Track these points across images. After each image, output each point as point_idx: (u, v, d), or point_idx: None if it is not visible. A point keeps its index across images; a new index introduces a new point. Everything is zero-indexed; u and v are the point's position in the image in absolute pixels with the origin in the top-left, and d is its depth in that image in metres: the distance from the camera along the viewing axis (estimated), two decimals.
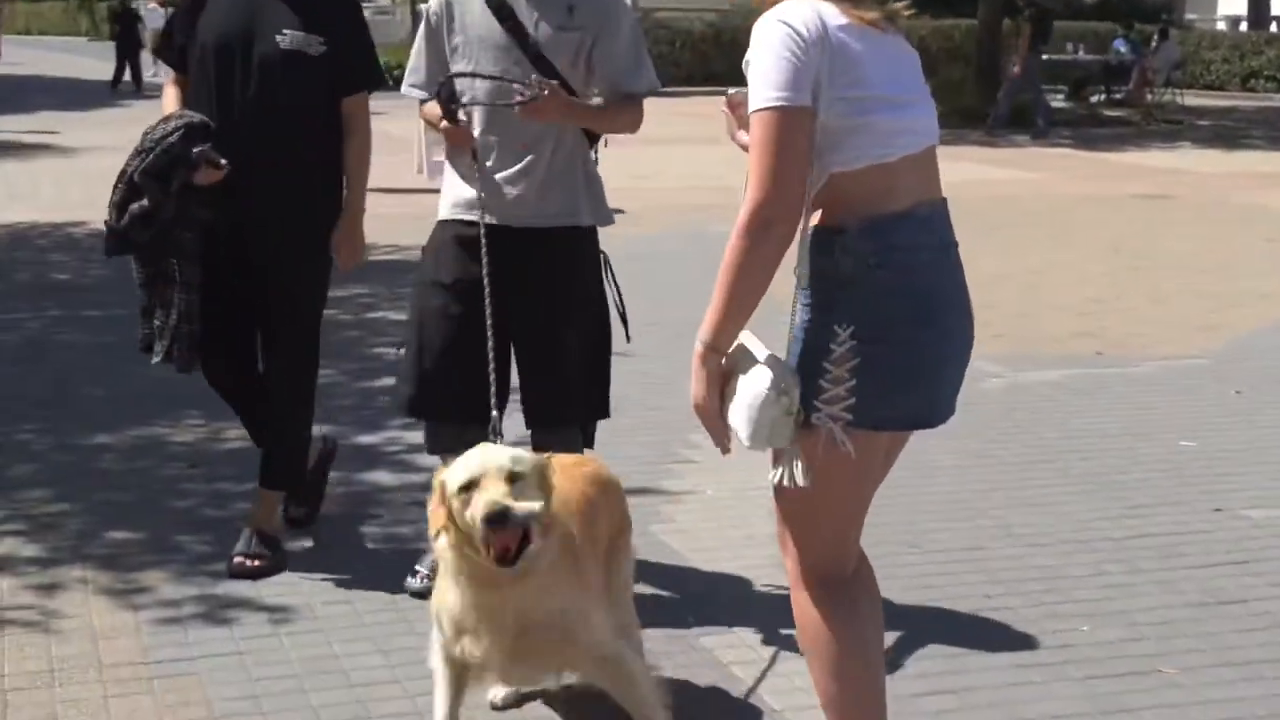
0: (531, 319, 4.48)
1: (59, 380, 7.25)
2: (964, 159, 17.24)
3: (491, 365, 4.18)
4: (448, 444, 4.29)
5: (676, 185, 15.32)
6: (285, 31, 4.60)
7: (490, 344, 4.18)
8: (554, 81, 4.24)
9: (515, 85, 4.21)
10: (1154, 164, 18.26)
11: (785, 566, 3.32)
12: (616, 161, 15.38)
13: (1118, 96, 27.59)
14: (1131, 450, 6.32)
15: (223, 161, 4.54)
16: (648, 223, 12.18)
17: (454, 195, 4.52)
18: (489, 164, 4.41)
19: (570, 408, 4.57)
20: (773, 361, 3.03)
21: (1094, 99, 27.49)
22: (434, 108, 4.43)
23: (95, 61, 31.73)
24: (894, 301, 3.04)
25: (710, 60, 31.52)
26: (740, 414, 3.04)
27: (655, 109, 15.11)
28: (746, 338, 3.12)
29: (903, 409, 3.14)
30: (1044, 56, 28.02)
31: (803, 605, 3.26)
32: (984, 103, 22.73)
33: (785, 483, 3.08)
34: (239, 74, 4.62)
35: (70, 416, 6.63)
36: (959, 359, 3.23)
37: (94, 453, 6.17)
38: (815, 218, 3.06)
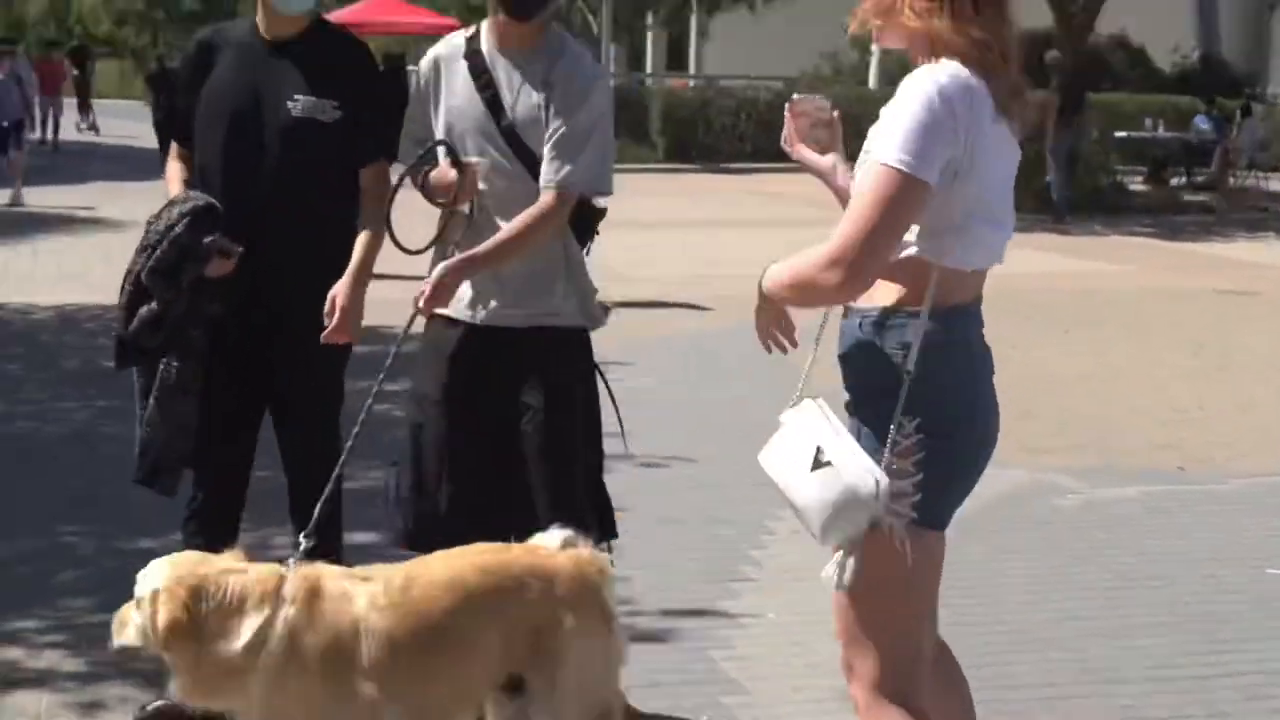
0: (503, 429, 4.38)
1: (105, 477, 7.29)
2: (1037, 247, 17.13)
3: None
4: None
5: (747, 273, 15.23)
6: (297, 98, 4.45)
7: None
8: (443, 270, 4.20)
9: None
10: (1238, 256, 18.11)
11: (852, 695, 3.29)
12: (684, 247, 15.62)
13: (1199, 179, 27.41)
14: (1216, 578, 6.24)
15: (237, 249, 4.40)
16: (718, 315, 12.09)
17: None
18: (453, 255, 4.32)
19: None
20: (866, 458, 3.03)
21: (1174, 181, 27.33)
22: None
23: (149, 128, 32.14)
24: (958, 394, 3.12)
25: (776, 133, 31.10)
26: (820, 509, 3.05)
27: (722, 186, 15.27)
28: (836, 423, 3.13)
29: (954, 506, 3.21)
30: (1120, 134, 28.03)
31: None
32: (1058, 185, 22.61)
33: (834, 580, 3.10)
34: (250, 144, 4.48)
35: (115, 517, 6.67)
36: (990, 454, 3.28)
37: (139, 557, 6.10)
38: (886, 296, 3.11)
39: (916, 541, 3.09)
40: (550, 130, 4.24)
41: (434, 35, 36.15)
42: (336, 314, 4.44)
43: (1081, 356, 10.84)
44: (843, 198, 3.33)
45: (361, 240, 4.56)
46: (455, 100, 4.33)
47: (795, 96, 3.47)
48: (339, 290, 4.45)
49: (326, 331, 4.46)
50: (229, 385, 4.62)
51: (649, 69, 44.97)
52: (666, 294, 12.65)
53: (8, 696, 4.84)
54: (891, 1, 3.13)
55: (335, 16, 33.44)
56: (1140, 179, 26.90)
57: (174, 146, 4.78)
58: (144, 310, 4.41)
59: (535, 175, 4.27)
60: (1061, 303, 13.39)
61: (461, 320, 4.37)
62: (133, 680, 4.92)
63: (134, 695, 4.81)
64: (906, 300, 3.09)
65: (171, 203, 4.48)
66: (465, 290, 4.32)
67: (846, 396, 3.23)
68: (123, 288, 4.51)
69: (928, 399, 3.05)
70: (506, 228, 4.23)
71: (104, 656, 5.09)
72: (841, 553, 3.09)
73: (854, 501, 2.99)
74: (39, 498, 7.03)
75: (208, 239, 4.36)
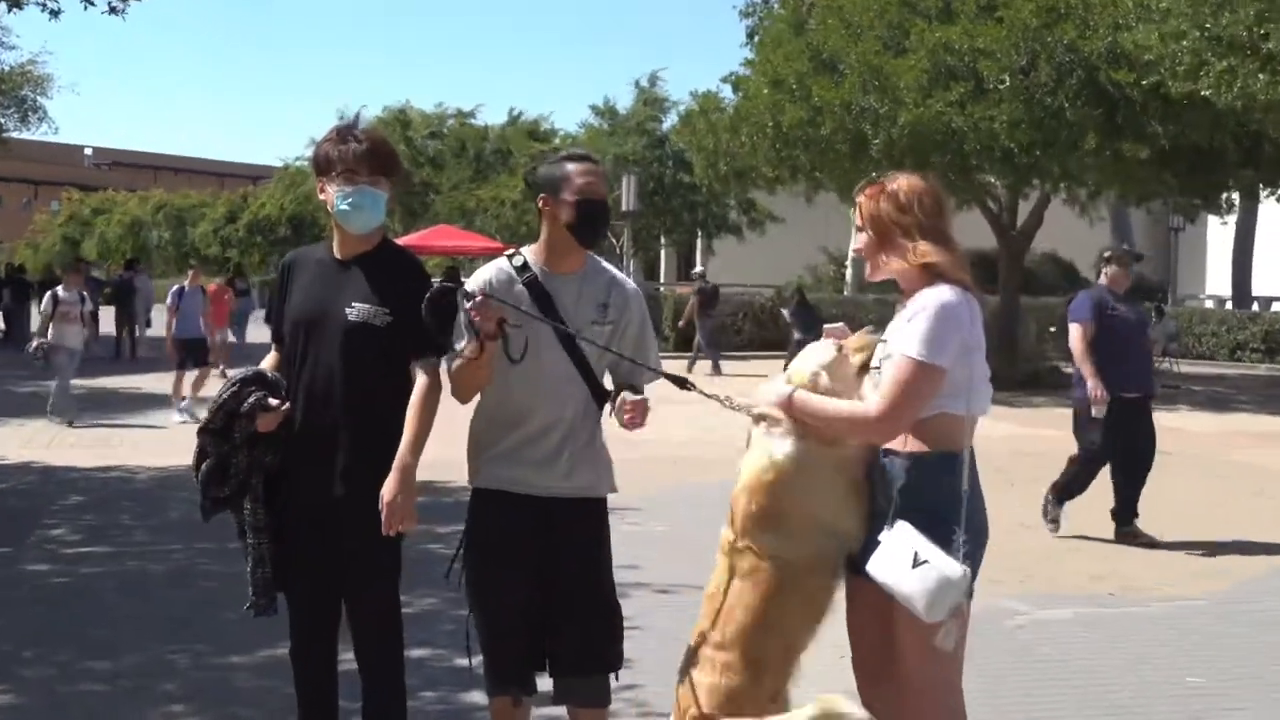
0: (570, 582, 4.33)
1: (201, 604, 7.23)
2: (989, 416, 17.06)
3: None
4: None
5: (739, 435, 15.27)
6: (355, 305, 4.36)
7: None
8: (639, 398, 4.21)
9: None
10: (1156, 423, 17.98)
11: None
12: (689, 417, 15.61)
13: None
14: (1142, 682, 6.10)
15: (273, 402, 4.31)
16: (720, 471, 12.08)
17: (490, 458, 4.36)
18: (523, 436, 4.30)
19: (605, 656, 4.39)
20: (950, 556, 3.54)
21: None
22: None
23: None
24: (981, 515, 3.68)
25: (767, 329, 31.93)
26: (923, 594, 3.49)
27: (725, 370, 15.01)
28: (920, 541, 3.53)
29: None
30: (1054, 329, 28.32)
31: None
32: (1005, 368, 22.72)
33: (945, 642, 3.61)
34: (317, 343, 4.39)
35: (208, 638, 6.60)
36: None
37: (229, 670, 6.12)
38: (915, 444, 3.64)
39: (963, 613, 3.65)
40: (625, 341, 4.36)
41: (481, 255, 37.04)
42: (387, 513, 4.20)
43: (1028, 507, 10.70)
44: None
45: (406, 434, 4.27)
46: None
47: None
48: (386, 490, 4.20)
49: (384, 526, 4.22)
50: (304, 529, 4.41)
51: (662, 279, 45.57)
52: (671, 454, 12.65)
53: None
54: (902, 246, 3.71)
55: (405, 240, 34.17)
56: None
57: (274, 345, 4.72)
58: (205, 465, 4.34)
59: (586, 375, 4.31)
60: (1009, 462, 13.33)
61: (516, 493, 4.30)
62: None
63: None
64: (947, 446, 3.65)
65: (231, 377, 4.46)
66: (520, 467, 4.30)
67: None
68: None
69: (968, 517, 3.59)
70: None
71: None
72: (946, 624, 3.57)
73: (948, 585, 3.48)
74: (143, 623, 6.95)
75: (250, 399, 4.30)
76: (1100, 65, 18.73)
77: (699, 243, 42.51)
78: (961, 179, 21.75)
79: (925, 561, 3.51)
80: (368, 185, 4.36)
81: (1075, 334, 9.46)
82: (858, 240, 3.85)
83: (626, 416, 4.14)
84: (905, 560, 3.52)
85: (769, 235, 37.92)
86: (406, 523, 4.21)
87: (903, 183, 3.77)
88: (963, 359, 3.63)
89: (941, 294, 3.60)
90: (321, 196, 4.47)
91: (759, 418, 3.94)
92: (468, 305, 4.09)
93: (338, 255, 4.47)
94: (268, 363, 4.58)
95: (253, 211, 63.39)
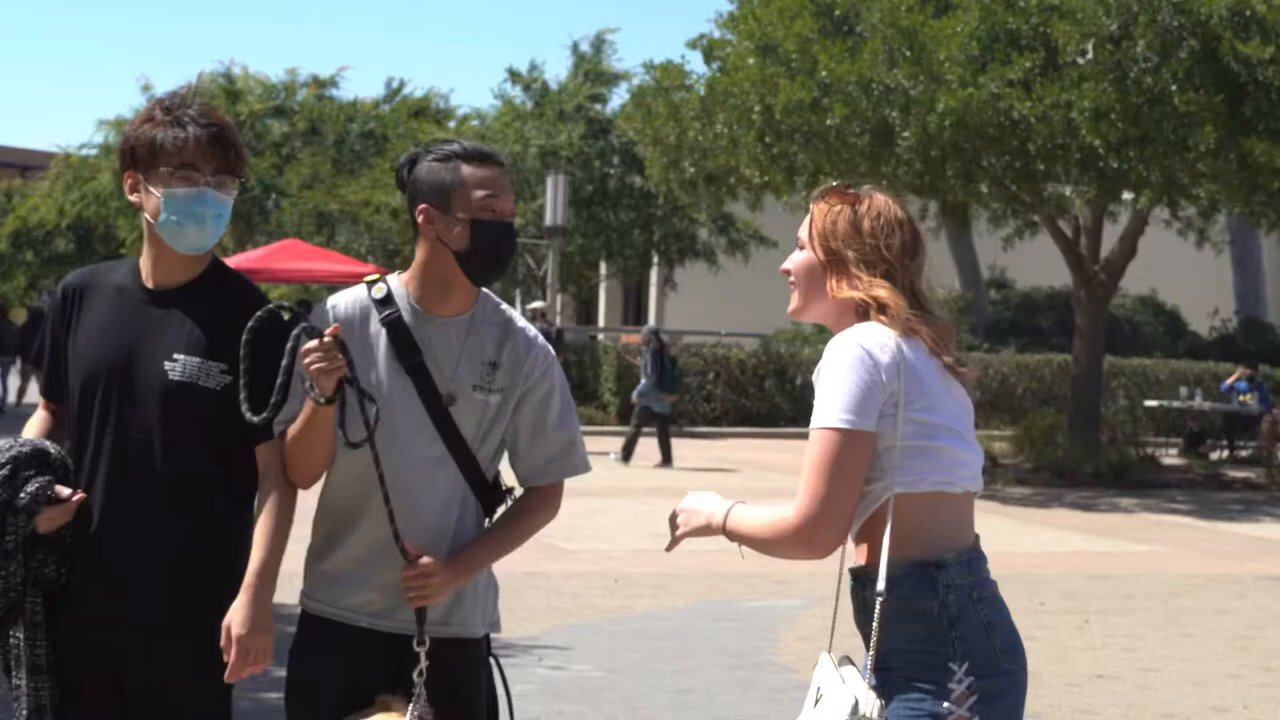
0: None
1: None
2: (1058, 525, 17.42)
3: None
4: None
5: (710, 547, 15.34)
6: (177, 357, 4.30)
7: None
8: (427, 561, 4.16)
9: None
10: None
11: None
12: (637, 517, 15.63)
13: (1243, 454, 27.75)
14: None
15: (66, 493, 4.23)
16: (673, 594, 12.14)
17: (325, 573, 4.37)
18: (368, 544, 4.27)
19: None
20: (859, 685, 3.47)
21: (1214, 455, 27.68)
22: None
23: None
24: (995, 634, 3.59)
25: (747, 395, 32.02)
26: None
27: (684, 452, 15.57)
28: (843, 667, 3.55)
29: None
30: (1152, 403, 28.62)
31: None
32: (1082, 456, 22.89)
33: None
34: (119, 411, 4.32)
35: None
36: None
37: None
38: (874, 554, 3.59)
39: None
40: (523, 421, 4.36)
41: (345, 282, 36.98)
42: (235, 650, 4.18)
43: (1107, 650, 10.80)
44: None
45: (257, 544, 4.28)
46: (373, 372, 4.27)
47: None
48: (231, 620, 4.19)
49: (229, 671, 4.21)
50: (95, 669, 4.38)
51: (601, 322, 45.69)
52: (609, 568, 12.67)
53: None
54: (854, 277, 3.74)
55: (237, 260, 33.95)
56: (1175, 452, 27.26)
57: (41, 404, 4.64)
58: None
59: (461, 459, 4.29)
60: (1083, 588, 13.44)
61: (359, 628, 4.29)
62: None
63: None
64: (924, 553, 3.59)
65: None
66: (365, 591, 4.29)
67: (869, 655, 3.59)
68: None
69: (971, 643, 3.54)
70: (504, 531, 4.37)
71: None
72: None
73: None
74: None
75: (30, 488, 4.21)
76: (1221, 33, 19.05)
77: (654, 273, 42.72)
78: (1025, 189, 22.04)
79: (821, 696, 3.50)
80: (212, 188, 4.32)
81: None
82: (791, 258, 3.86)
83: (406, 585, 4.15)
84: (810, 702, 3.55)
85: (754, 264, 38.10)
86: (260, 666, 4.21)
87: (878, 204, 3.79)
88: (908, 416, 3.58)
89: (851, 333, 3.62)
90: (133, 198, 4.40)
91: None
92: (304, 347, 4.05)
93: (149, 283, 4.40)
94: (34, 430, 4.51)
95: (20, 216, 63.08)
